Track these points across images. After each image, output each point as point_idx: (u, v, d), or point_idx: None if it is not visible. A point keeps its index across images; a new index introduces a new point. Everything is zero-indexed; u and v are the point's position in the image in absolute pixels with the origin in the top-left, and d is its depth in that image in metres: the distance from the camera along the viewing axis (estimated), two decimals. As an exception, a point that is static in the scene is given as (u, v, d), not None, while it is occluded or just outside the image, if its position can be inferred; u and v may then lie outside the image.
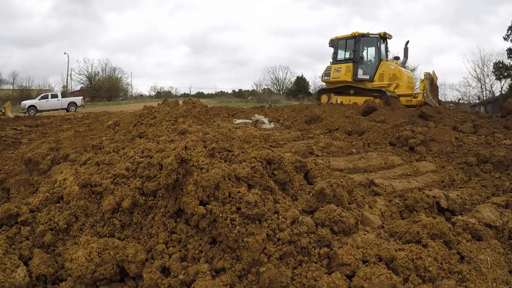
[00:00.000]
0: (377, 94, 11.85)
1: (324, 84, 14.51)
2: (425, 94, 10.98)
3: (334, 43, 13.75)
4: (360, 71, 12.69)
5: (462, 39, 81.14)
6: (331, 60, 13.89)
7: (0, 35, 76.23)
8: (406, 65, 13.30)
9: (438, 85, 12.41)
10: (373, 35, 12.75)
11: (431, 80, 11.15)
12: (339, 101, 12.65)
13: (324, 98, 13.88)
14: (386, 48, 13.11)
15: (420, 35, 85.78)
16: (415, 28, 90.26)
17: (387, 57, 13.11)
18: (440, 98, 15.04)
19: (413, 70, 40.69)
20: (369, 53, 13.07)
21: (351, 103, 11.51)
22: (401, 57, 12.78)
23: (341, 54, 13.59)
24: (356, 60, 12.82)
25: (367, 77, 12.60)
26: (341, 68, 13.21)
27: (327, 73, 13.78)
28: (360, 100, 11.65)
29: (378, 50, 12.64)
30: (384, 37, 12.82)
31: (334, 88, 13.58)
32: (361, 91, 12.50)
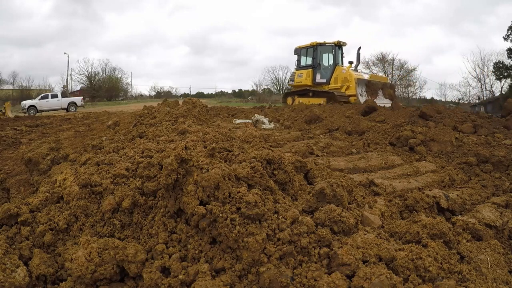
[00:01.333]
0: (331, 96, 13.59)
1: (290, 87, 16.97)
2: (357, 96, 12.86)
3: (298, 51, 15.90)
4: (318, 76, 14.77)
5: (462, 39, 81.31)
6: (295, 67, 16.07)
7: (1, 35, 76.33)
8: (358, 68, 15.07)
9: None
10: (329, 44, 14.88)
11: (366, 83, 13.24)
12: (302, 102, 14.34)
13: (289, 100, 15.79)
14: (341, 54, 15.08)
15: (419, 35, 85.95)
16: (415, 28, 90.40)
17: (342, 63, 14.98)
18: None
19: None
20: (326, 59, 15.12)
21: (309, 103, 13.04)
22: (354, 62, 14.65)
23: (303, 61, 15.70)
24: (315, 66, 14.93)
25: (324, 80, 14.59)
26: (303, 73, 15.37)
27: (292, 78, 16.04)
28: (317, 101, 13.65)
29: (333, 56, 14.74)
30: (339, 45, 14.87)
31: (297, 91, 15.50)
32: (319, 93, 14.31)
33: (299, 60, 15.93)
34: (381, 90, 13.63)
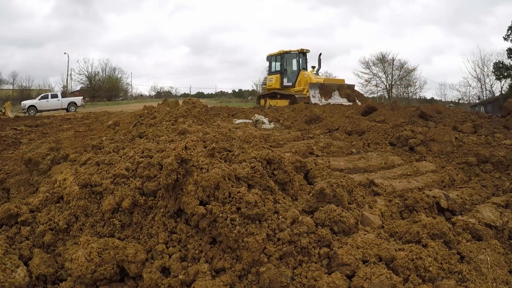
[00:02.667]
0: (293, 98, 15.23)
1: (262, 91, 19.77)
2: (310, 97, 14.58)
3: (269, 58, 18.10)
4: (285, 80, 16.84)
5: (461, 40, 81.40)
6: (267, 72, 18.29)
7: (2, 35, 76.32)
8: (319, 72, 17.17)
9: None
10: (294, 51, 16.90)
11: (319, 86, 14.99)
12: (272, 104, 16.17)
13: (262, 102, 17.89)
14: (305, 60, 17.15)
15: (419, 35, 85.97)
16: (414, 28, 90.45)
17: (306, 67, 16.98)
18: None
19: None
20: (291, 65, 17.11)
21: (279, 105, 14.96)
22: (316, 66, 16.74)
23: (273, 67, 17.88)
24: (282, 72, 17.05)
25: (290, 84, 16.60)
26: (272, 78, 17.62)
27: (264, 82, 19.41)
28: (283, 102, 15.52)
29: (297, 62, 16.78)
30: (302, 52, 16.89)
31: (268, 93, 17.60)
32: (284, 95, 16.18)
33: (270, 66, 18.16)
34: (337, 91, 15.26)
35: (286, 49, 17.21)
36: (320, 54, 16.41)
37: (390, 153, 5.34)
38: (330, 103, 12.86)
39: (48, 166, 3.88)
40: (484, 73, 35.06)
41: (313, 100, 14.22)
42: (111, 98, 51.29)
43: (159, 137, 4.14)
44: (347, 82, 16.80)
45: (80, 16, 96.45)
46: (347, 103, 13.14)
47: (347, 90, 15.47)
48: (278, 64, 17.52)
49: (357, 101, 14.63)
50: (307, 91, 14.96)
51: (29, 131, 9.62)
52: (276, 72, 17.59)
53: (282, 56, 17.20)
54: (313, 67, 16.64)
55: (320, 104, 12.76)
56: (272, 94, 17.26)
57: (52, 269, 2.05)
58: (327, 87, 15.10)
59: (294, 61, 17.07)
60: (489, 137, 6.39)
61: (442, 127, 6.52)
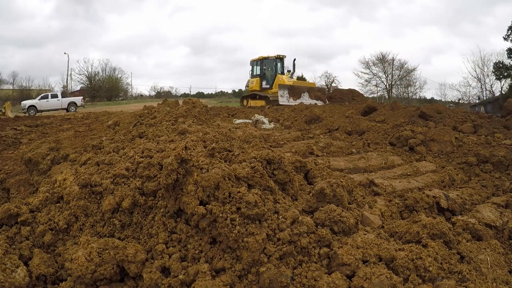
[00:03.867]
0: (267, 99, 17.33)
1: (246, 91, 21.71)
2: (278, 97, 16.33)
3: (251, 63, 20.44)
4: (264, 82, 19.14)
5: (460, 40, 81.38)
6: (250, 76, 20.53)
7: (3, 36, 76.38)
8: (293, 76, 19.38)
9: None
10: (271, 57, 19.33)
11: (289, 87, 16.69)
12: (252, 104, 18.30)
13: (244, 102, 19.84)
14: (282, 65, 19.48)
15: (418, 35, 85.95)
16: (413, 28, 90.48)
17: (282, 71, 19.28)
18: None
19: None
20: (269, 69, 19.46)
21: (257, 105, 17.04)
22: (291, 70, 19.04)
23: (254, 71, 20.20)
24: (261, 75, 19.45)
25: (268, 86, 18.79)
26: (254, 81, 19.88)
27: (247, 84, 20.71)
28: (261, 102, 17.54)
29: (274, 67, 19.14)
30: (279, 58, 19.29)
31: (249, 94, 19.68)
32: (262, 97, 18.23)
33: (252, 70, 20.44)
34: (308, 92, 17.30)
35: (265, 55, 20.12)
36: (295, 59, 19.04)
37: (390, 153, 5.34)
38: (302, 102, 14.67)
39: (48, 166, 3.88)
40: (484, 73, 35.05)
41: (281, 100, 16.02)
42: (111, 98, 51.25)
43: (159, 137, 4.14)
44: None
45: (80, 17, 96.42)
46: (319, 103, 15.77)
47: (317, 93, 17.86)
48: (258, 68, 19.98)
49: (327, 101, 17.08)
50: None
51: (29, 131, 9.62)
52: (256, 75, 20.05)
53: (261, 61, 19.75)
54: (289, 71, 19.06)
55: (288, 103, 15.10)
56: (253, 95, 19.38)
57: (52, 269, 2.05)
58: (296, 89, 17.04)
59: (272, 66, 19.53)
60: (489, 137, 6.40)
61: (442, 127, 6.52)
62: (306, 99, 16.77)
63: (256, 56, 20.64)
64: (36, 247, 2.22)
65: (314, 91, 17.90)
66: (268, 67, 19.61)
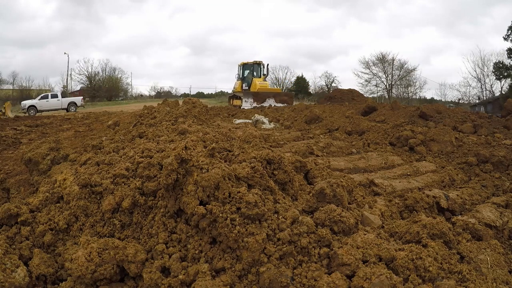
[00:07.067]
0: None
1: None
2: (243, 102, 18.49)
3: (238, 67, 23.04)
4: (244, 85, 21.55)
5: (459, 40, 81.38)
6: (236, 78, 23.13)
7: (4, 36, 76.37)
8: (266, 79, 22.08)
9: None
10: (250, 63, 22.19)
11: (253, 94, 19.03)
12: (234, 103, 20.26)
13: (230, 102, 21.94)
14: (260, 69, 22.08)
15: (417, 36, 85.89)
16: (412, 29, 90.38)
17: (259, 75, 21.82)
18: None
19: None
20: (248, 73, 22.08)
21: (237, 104, 18.97)
22: (266, 74, 21.83)
23: (240, 75, 22.63)
24: (242, 79, 22.04)
25: (247, 88, 21.13)
26: (237, 83, 22.50)
27: (234, 86, 23.45)
28: (240, 102, 19.31)
29: (252, 71, 21.82)
30: (257, 63, 22.06)
31: (234, 95, 21.84)
32: (240, 97, 20.13)
33: (238, 74, 22.99)
34: (273, 98, 19.40)
35: (245, 61, 23.02)
36: (268, 64, 22.13)
37: (390, 153, 5.34)
38: (271, 105, 16.89)
39: (48, 166, 3.88)
40: (484, 73, 35.00)
41: (244, 104, 18.27)
42: (111, 98, 51.21)
43: (159, 137, 4.14)
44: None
45: (81, 18, 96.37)
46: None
47: (284, 97, 20.31)
48: (241, 72, 22.74)
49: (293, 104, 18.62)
50: None
51: (29, 131, 9.62)
52: (240, 78, 22.86)
53: (243, 66, 22.59)
54: (264, 75, 21.86)
55: (251, 107, 16.82)
56: (235, 95, 21.79)
57: (52, 269, 2.05)
58: (260, 95, 19.35)
59: (250, 71, 22.23)
60: (489, 137, 6.40)
61: (442, 127, 6.52)
62: (272, 103, 19.21)
63: (254, 59, 23.36)
64: (36, 247, 2.22)
65: (280, 96, 20.46)
66: (247, 72, 22.42)
